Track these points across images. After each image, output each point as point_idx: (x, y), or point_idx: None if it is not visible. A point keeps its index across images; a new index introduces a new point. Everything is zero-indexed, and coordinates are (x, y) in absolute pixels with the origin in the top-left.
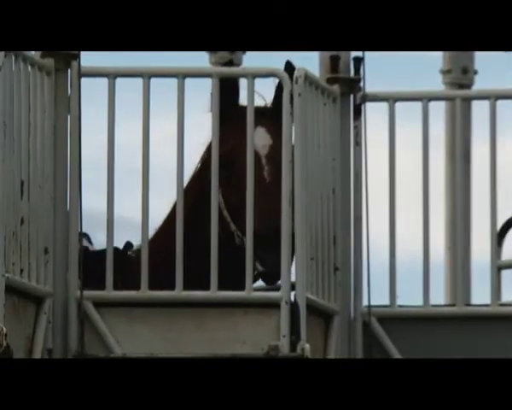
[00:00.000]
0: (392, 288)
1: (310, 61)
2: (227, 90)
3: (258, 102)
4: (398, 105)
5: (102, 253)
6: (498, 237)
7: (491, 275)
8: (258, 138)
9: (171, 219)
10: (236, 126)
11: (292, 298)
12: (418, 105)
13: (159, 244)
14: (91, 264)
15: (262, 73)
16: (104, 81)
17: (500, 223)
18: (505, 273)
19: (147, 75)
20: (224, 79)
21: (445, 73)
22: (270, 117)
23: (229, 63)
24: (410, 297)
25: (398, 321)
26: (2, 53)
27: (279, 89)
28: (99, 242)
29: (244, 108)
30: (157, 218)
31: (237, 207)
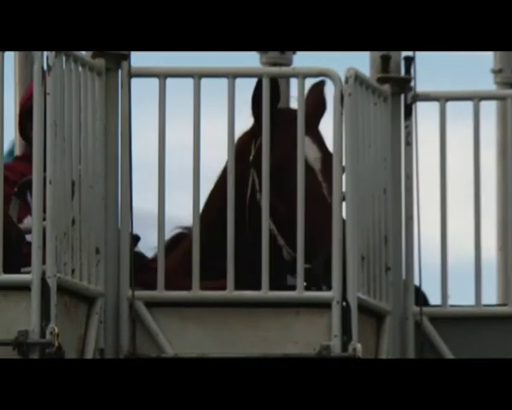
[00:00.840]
0: (443, 288)
1: (360, 61)
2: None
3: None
4: (449, 105)
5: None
6: None
7: None
8: (308, 150)
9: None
10: (282, 132)
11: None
12: (469, 105)
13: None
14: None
15: (313, 72)
16: (155, 81)
17: None
18: None
19: (197, 75)
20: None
21: (496, 72)
22: (312, 124)
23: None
24: (461, 297)
25: (449, 321)
26: (53, 53)
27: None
28: (151, 242)
29: (286, 112)
30: None
31: (288, 219)
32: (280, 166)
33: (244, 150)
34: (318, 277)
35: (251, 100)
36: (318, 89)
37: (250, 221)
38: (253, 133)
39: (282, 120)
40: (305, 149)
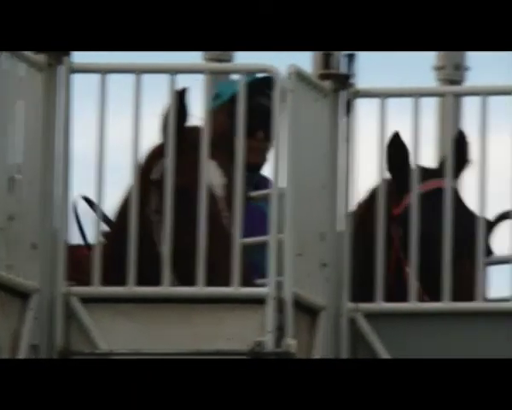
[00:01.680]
0: (379, 285)
1: (302, 58)
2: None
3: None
4: (390, 101)
5: None
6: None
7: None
8: (211, 176)
9: None
10: (187, 154)
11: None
12: (409, 101)
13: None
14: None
15: (254, 69)
16: (96, 77)
17: None
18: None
19: (138, 71)
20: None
21: (438, 69)
22: (220, 145)
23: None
24: None
25: (384, 318)
26: None
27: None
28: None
29: (193, 131)
30: None
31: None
32: (182, 190)
33: (151, 165)
34: None
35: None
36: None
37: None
38: (161, 149)
39: (192, 138)
40: (209, 175)
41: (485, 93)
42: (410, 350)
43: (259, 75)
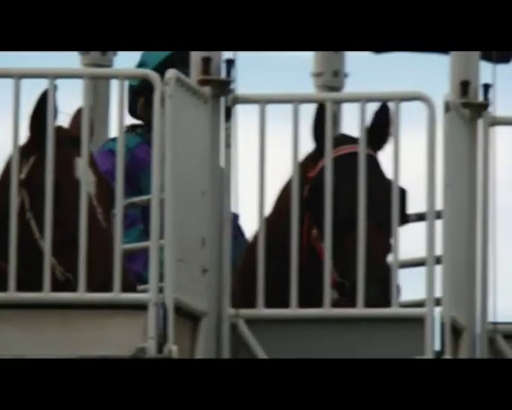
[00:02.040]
0: (259, 290)
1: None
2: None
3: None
4: (270, 107)
5: None
6: None
7: (359, 277)
8: (82, 172)
9: None
10: (58, 152)
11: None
12: (289, 107)
13: None
14: None
15: (133, 74)
16: None
17: None
18: None
19: (17, 76)
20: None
21: (316, 75)
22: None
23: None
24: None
25: (265, 323)
26: None
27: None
28: None
29: (61, 131)
30: None
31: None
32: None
33: (21, 166)
34: None
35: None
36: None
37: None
38: (27, 149)
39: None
40: (80, 173)
41: (364, 99)
42: (290, 356)
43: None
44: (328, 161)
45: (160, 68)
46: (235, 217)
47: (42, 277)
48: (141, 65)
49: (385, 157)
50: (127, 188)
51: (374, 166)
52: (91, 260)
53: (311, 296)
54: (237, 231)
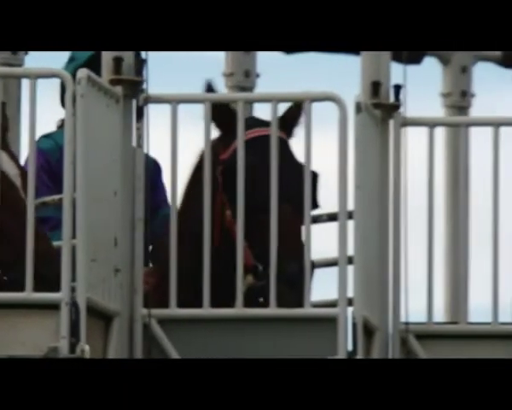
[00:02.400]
0: (172, 290)
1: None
2: None
3: None
4: (182, 107)
5: None
6: None
7: (271, 277)
8: (7, 166)
9: None
10: None
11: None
12: (200, 108)
13: None
14: None
15: (44, 73)
16: None
17: None
18: None
19: None
20: None
21: (227, 76)
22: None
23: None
24: None
25: (177, 323)
26: None
27: None
28: None
29: None
30: None
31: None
32: None
33: None
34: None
35: None
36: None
37: None
38: None
39: None
40: (5, 165)
41: (276, 100)
42: (202, 355)
43: None
44: (240, 163)
45: (89, 64)
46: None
47: None
48: (70, 60)
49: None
50: (58, 185)
51: (286, 149)
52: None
53: (226, 282)
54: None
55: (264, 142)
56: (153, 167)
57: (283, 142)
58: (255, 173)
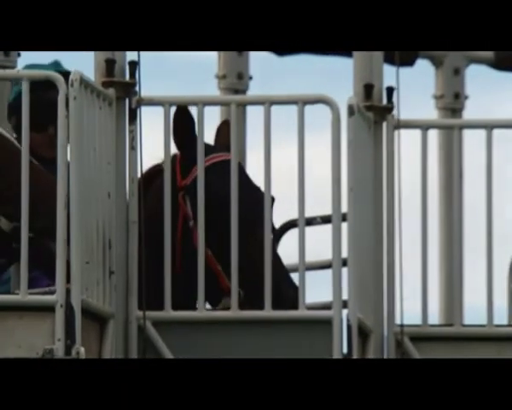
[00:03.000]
0: (167, 293)
1: (85, 65)
2: None
3: None
4: (175, 109)
5: None
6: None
7: (266, 279)
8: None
9: None
10: None
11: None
12: (193, 110)
13: None
14: None
15: (36, 76)
16: None
17: None
18: None
19: None
20: None
21: (220, 78)
22: None
23: None
24: None
25: (172, 325)
26: None
27: None
28: None
29: None
30: None
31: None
32: None
33: None
34: None
35: None
36: None
37: None
38: None
39: None
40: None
41: (269, 102)
42: (197, 357)
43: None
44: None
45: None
46: None
47: None
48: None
49: (290, 160)
50: None
51: (244, 173)
52: (35, 201)
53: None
54: None
55: (225, 166)
56: None
57: (240, 166)
58: (222, 199)
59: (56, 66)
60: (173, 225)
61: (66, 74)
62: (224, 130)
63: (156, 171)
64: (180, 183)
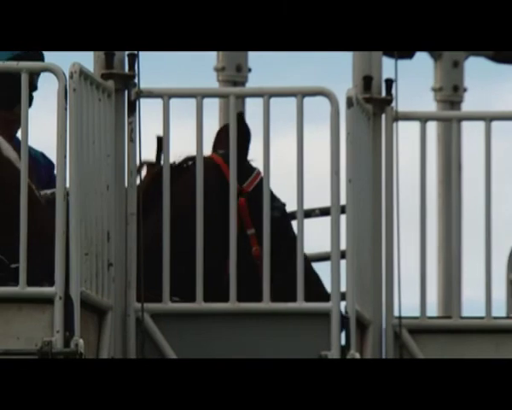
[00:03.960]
0: (165, 286)
1: (85, 57)
2: None
3: None
4: (174, 101)
5: None
6: None
7: (264, 271)
8: (6, 150)
9: None
10: None
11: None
12: (192, 102)
13: None
14: None
15: (37, 68)
16: None
17: None
18: None
19: None
20: None
21: (219, 70)
22: None
23: None
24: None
25: (170, 317)
26: None
27: None
28: None
29: None
30: None
31: None
32: None
33: None
34: None
35: None
36: None
37: None
38: None
39: None
40: (7, 149)
41: (268, 94)
42: (196, 349)
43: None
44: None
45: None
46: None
47: None
48: None
49: (289, 152)
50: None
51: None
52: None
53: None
54: None
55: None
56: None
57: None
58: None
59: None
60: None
61: (24, 57)
62: (221, 136)
63: (187, 163)
64: (245, 187)
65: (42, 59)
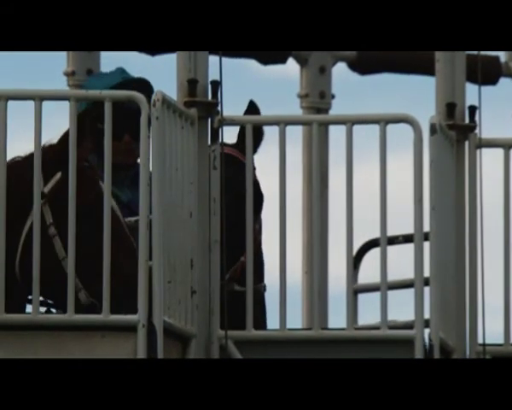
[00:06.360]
0: (248, 311)
1: (168, 85)
2: None
3: None
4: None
5: None
6: (355, 261)
7: (347, 299)
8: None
9: None
10: None
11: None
12: (275, 129)
13: None
14: None
15: (120, 96)
16: None
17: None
18: (361, 297)
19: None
20: None
21: (302, 97)
22: None
23: None
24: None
25: (254, 344)
26: None
27: None
28: None
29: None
30: None
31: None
32: None
33: None
34: None
35: None
36: None
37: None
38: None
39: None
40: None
41: (351, 122)
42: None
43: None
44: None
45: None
46: None
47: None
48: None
49: (373, 180)
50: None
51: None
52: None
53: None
54: None
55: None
56: None
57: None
58: None
59: (122, 73)
60: None
61: (133, 82)
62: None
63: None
64: None
65: (150, 88)
